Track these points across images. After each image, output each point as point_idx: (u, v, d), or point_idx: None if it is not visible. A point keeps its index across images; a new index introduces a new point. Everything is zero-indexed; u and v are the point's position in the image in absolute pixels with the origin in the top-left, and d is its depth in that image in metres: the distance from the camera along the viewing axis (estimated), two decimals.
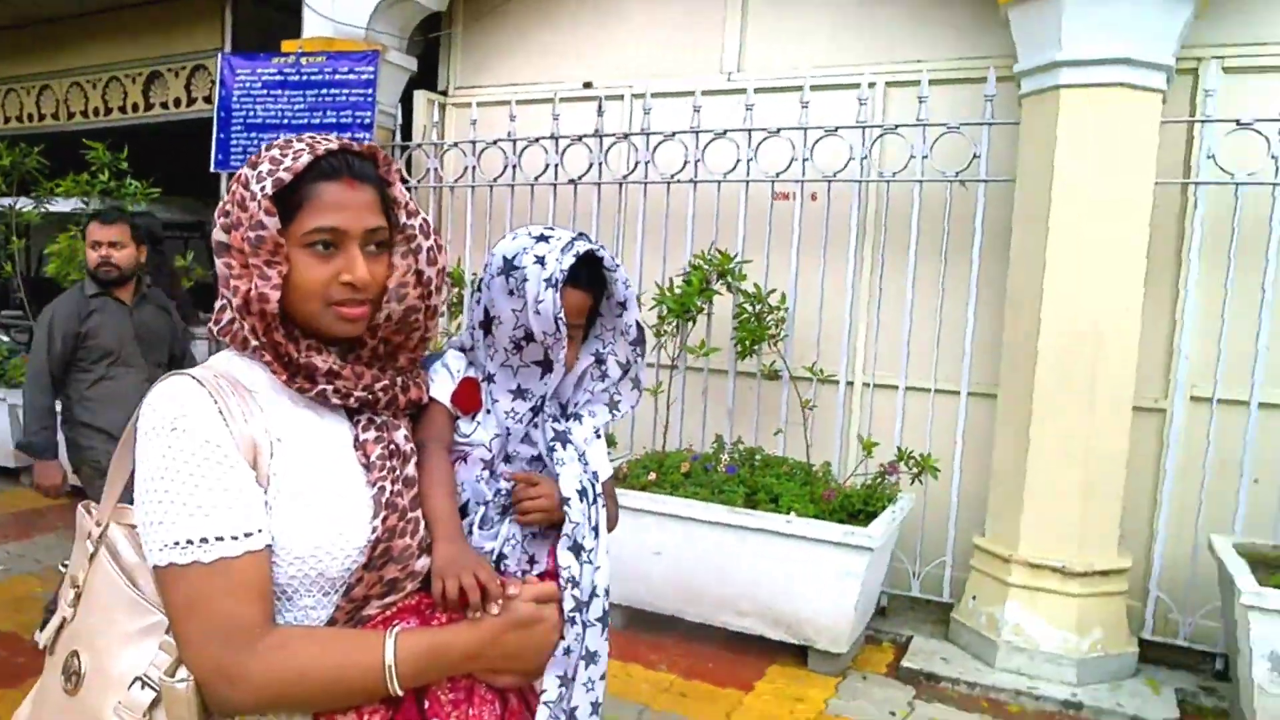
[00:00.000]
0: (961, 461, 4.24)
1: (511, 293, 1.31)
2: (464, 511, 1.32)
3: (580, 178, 4.94)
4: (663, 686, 3.59)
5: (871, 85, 4.55)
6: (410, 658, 1.11)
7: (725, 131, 4.57)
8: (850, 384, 4.63)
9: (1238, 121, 3.73)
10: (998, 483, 4.03)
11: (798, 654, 3.83)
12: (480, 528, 1.32)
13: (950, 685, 3.72)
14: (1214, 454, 3.89)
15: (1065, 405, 3.78)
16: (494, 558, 1.31)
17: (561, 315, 1.28)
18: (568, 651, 1.27)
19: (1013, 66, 3.95)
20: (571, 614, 1.27)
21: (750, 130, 4.53)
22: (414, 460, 1.24)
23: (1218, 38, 4.00)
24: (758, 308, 4.37)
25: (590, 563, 1.32)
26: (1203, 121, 3.83)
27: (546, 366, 1.34)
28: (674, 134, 4.68)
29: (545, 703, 1.26)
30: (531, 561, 1.33)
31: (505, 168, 5.13)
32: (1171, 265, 4.06)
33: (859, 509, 3.91)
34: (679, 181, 4.72)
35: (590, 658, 1.31)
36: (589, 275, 1.35)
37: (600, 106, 4.89)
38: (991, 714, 3.53)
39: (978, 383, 4.28)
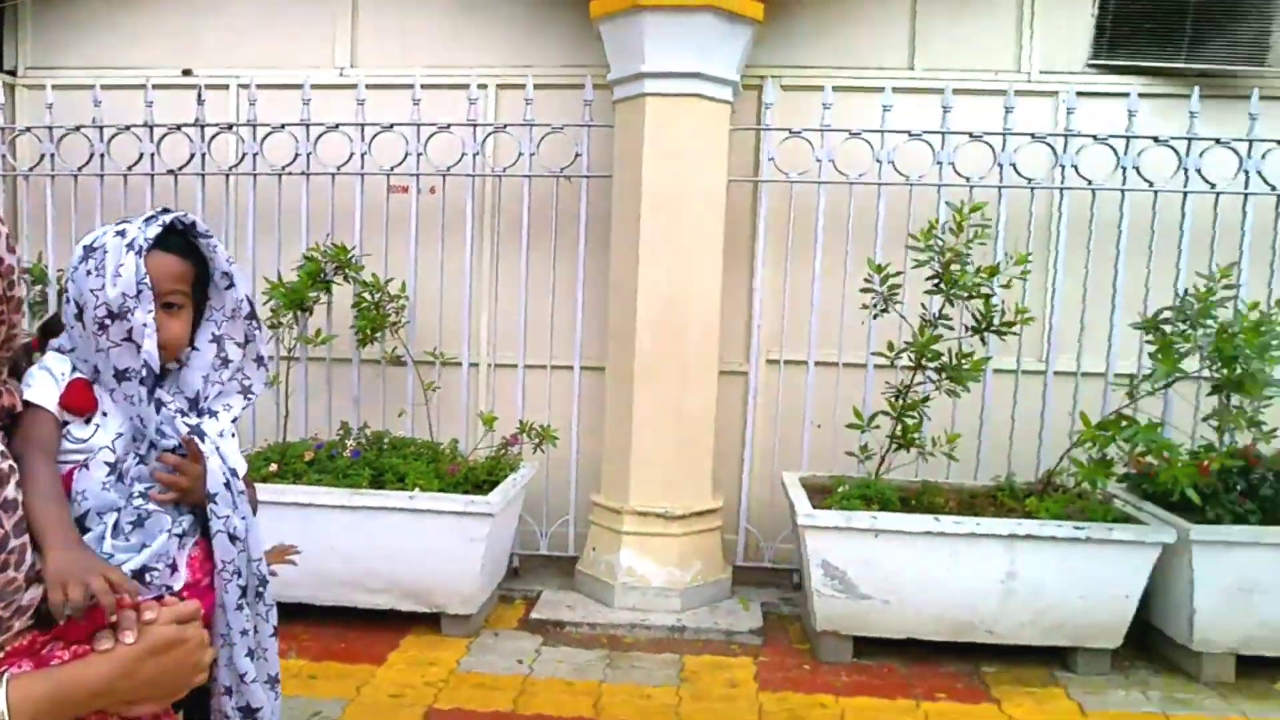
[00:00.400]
0: (579, 429, 4.59)
1: (90, 273, 1.26)
2: (84, 525, 1.21)
3: (181, 168, 4.67)
4: (291, 673, 3.47)
5: (483, 87, 4.80)
6: (28, 705, 0.98)
7: (338, 125, 4.57)
8: (475, 365, 4.81)
9: (790, 130, 4.44)
10: (609, 445, 4.41)
11: (433, 622, 3.90)
12: (113, 538, 1.21)
13: (574, 629, 4.00)
14: (785, 406, 4.58)
15: (661, 374, 4.24)
16: (134, 572, 1.21)
17: (145, 279, 1.25)
18: (245, 632, 1.38)
19: (607, 75, 4.38)
20: (241, 601, 1.36)
21: (364, 125, 4.56)
22: (14, 480, 1.09)
23: (774, 60, 4.74)
24: (377, 296, 4.41)
25: (246, 550, 1.36)
26: (763, 130, 4.50)
27: (134, 340, 1.27)
28: (283, 126, 4.59)
29: (252, 682, 1.38)
30: (173, 570, 1.27)
31: (91, 156, 4.71)
32: (747, 251, 4.71)
33: (484, 480, 4.07)
34: (290, 174, 4.63)
35: (272, 635, 1.47)
36: (185, 247, 1.35)
37: (200, 95, 4.66)
38: (609, 648, 3.84)
39: (589, 357, 4.64)
